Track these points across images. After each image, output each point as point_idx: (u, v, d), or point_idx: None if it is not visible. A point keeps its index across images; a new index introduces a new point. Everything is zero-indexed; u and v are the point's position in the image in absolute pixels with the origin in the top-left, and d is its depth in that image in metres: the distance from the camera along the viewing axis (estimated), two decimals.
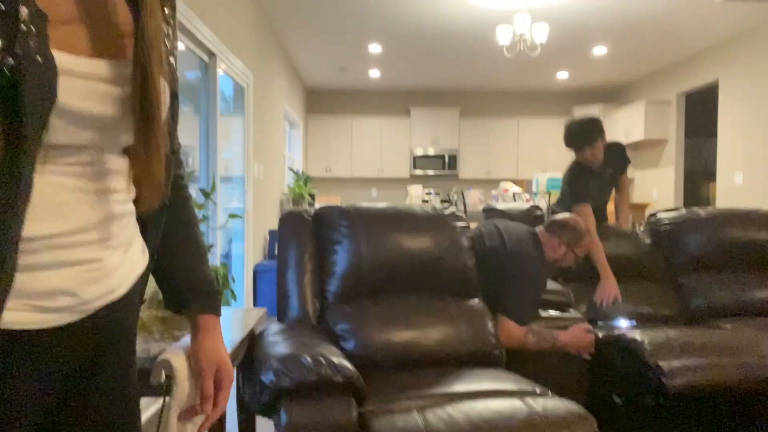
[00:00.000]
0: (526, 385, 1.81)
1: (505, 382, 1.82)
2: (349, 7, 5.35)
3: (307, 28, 5.99)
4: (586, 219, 3.23)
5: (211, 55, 3.86)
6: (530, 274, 2.29)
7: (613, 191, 3.53)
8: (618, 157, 3.40)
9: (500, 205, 3.23)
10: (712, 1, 5.13)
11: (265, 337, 1.76)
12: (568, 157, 3.49)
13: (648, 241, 3.04)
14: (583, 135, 3.14)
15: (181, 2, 3.07)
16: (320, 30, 6.08)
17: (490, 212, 3.15)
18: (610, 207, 3.94)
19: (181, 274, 0.95)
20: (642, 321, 2.70)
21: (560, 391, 1.84)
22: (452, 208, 2.37)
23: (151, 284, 2.29)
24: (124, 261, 0.80)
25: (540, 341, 2.19)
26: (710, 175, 8.30)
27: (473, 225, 2.59)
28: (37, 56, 0.60)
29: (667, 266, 2.96)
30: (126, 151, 0.78)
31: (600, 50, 6.83)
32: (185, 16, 3.15)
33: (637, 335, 2.18)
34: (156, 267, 0.92)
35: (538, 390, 1.78)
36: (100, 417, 0.80)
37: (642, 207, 7.71)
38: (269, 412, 1.53)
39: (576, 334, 2.23)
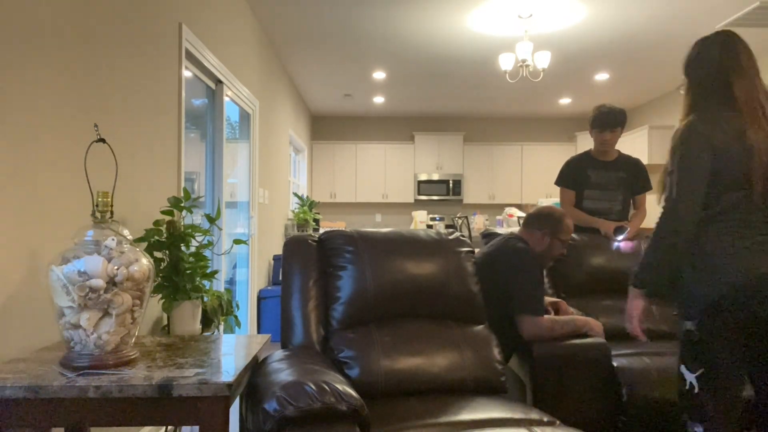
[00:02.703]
0: (533, 413, 1.78)
1: (512, 410, 1.79)
2: (354, 35, 5.43)
3: (312, 55, 6.08)
4: (561, 201, 3.63)
5: (218, 82, 3.91)
6: (524, 266, 2.34)
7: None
8: (635, 169, 3.60)
9: (500, 230, 3.23)
10: (714, 27, 5.18)
11: (269, 363, 1.75)
12: None
13: None
14: (608, 118, 3.46)
15: (189, 30, 3.13)
16: (325, 57, 6.16)
17: (489, 237, 3.14)
18: None
19: None
20: (650, 337, 2.75)
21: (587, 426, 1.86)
22: (457, 233, 2.37)
23: (154, 311, 2.28)
24: None
25: (564, 326, 2.28)
26: None
27: (478, 250, 2.59)
28: None
29: None
30: None
31: (602, 76, 6.88)
32: (193, 44, 3.20)
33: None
34: None
35: (545, 419, 1.75)
36: None
37: (649, 231, 7.67)
38: None
39: (588, 319, 2.35)
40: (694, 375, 1.71)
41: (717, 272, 1.67)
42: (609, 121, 3.44)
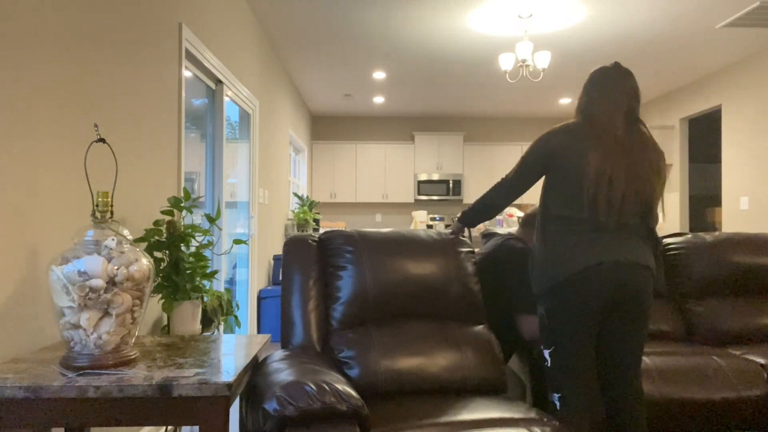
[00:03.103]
0: (533, 413, 1.78)
1: (512, 410, 1.79)
2: (354, 35, 5.43)
3: (311, 55, 6.08)
4: None
5: (218, 82, 3.91)
6: (524, 266, 2.35)
7: None
8: None
9: (500, 230, 3.22)
10: (714, 27, 5.19)
11: (269, 363, 1.75)
12: None
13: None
14: None
15: (189, 30, 3.13)
16: (325, 57, 6.16)
17: (488, 237, 3.13)
18: None
19: None
20: (650, 338, 2.82)
21: None
22: None
23: (154, 311, 2.28)
24: None
25: None
26: (715, 200, 8.30)
27: (477, 250, 2.59)
28: None
29: (673, 291, 2.94)
30: None
31: None
32: (193, 44, 3.20)
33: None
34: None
35: (545, 419, 1.75)
36: None
37: None
38: None
39: None
40: (548, 351, 2.03)
41: (555, 265, 1.97)
42: None
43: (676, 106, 7.48)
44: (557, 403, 2.00)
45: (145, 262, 1.54)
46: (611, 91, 2.06)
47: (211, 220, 2.40)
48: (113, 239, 1.50)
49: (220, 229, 3.73)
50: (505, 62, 5.20)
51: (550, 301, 1.99)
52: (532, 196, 9.09)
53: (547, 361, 2.03)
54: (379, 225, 9.56)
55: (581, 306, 1.94)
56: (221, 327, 2.52)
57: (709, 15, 4.87)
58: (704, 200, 8.58)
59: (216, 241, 3.68)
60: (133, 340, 1.56)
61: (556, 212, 2.02)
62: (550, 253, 1.99)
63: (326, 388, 1.46)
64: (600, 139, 2.00)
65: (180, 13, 3.03)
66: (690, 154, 7.66)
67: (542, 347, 2.05)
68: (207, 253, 2.98)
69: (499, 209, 2.22)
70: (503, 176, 2.17)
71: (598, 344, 2.04)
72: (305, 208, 6.73)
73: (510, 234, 2.56)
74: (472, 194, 9.35)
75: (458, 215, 2.34)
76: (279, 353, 1.88)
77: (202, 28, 3.41)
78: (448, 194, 9.28)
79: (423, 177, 9.26)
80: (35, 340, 1.77)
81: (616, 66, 2.11)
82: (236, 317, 2.58)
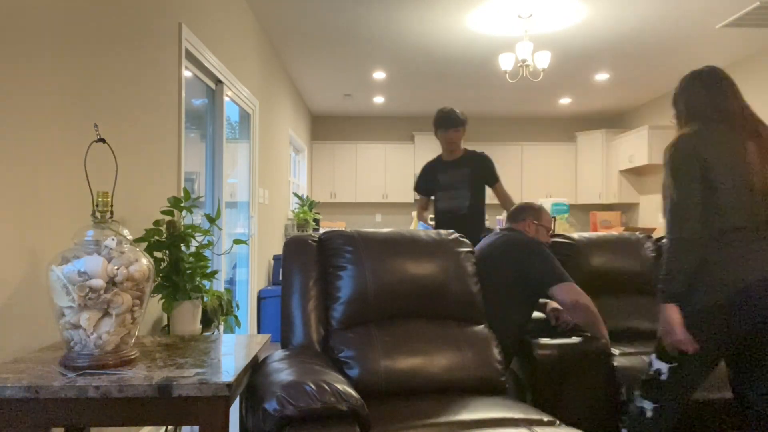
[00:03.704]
0: (533, 413, 1.78)
1: (512, 410, 1.79)
2: (354, 35, 5.43)
3: (311, 55, 6.08)
4: (417, 208, 4.03)
5: (218, 82, 3.91)
6: (536, 248, 2.40)
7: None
8: (478, 163, 3.77)
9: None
10: (714, 27, 5.19)
11: (269, 363, 1.75)
12: (571, 182, 3.67)
13: (652, 257, 3.04)
14: (450, 117, 3.68)
15: (189, 30, 3.13)
16: (325, 57, 6.16)
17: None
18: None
19: None
20: (650, 338, 2.84)
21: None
22: (456, 234, 2.37)
23: (154, 311, 2.28)
24: None
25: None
26: None
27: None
28: None
29: None
30: None
31: (602, 76, 6.88)
32: (193, 44, 3.20)
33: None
34: None
35: (545, 419, 1.75)
36: None
37: (648, 232, 7.67)
38: None
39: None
40: (668, 365, 1.87)
41: (713, 283, 1.78)
42: (453, 120, 3.67)
43: None
44: (649, 412, 1.87)
45: (145, 262, 1.54)
46: (727, 89, 1.91)
47: (211, 220, 2.40)
48: (113, 239, 1.50)
49: (220, 229, 3.72)
50: (505, 62, 5.19)
51: (698, 321, 1.79)
52: (535, 195, 9.09)
53: (660, 372, 1.87)
54: (379, 225, 9.56)
55: (733, 329, 1.77)
56: (221, 327, 2.52)
57: (709, 15, 4.87)
58: None
59: (216, 241, 3.68)
60: (133, 340, 1.56)
61: (716, 226, 1.80)
62: (712, 268, 1.78)
63: (326, 388, 1.46)
64: (755, 137, 1.82)
65: (180, 13, 3.03)
66: None
67: (655, 357, 1.90)
68: (207, 253, 2.98)
69: (699, 241, 1.82)
70: (666, 216, 1.84)
71: (738, 360, 1.88)
72: (305, 208, 6.73)
73: (502, 230, 2.63)
74: None
75: (662, 292, 1.84)
76: (279, 353, 1.88)
77: (202, 28, 3.41)
78: None
79: None
80: (35, 340, 1.77)
81: (714, 68, 1.97)
82: (236, 317, 2.58)
